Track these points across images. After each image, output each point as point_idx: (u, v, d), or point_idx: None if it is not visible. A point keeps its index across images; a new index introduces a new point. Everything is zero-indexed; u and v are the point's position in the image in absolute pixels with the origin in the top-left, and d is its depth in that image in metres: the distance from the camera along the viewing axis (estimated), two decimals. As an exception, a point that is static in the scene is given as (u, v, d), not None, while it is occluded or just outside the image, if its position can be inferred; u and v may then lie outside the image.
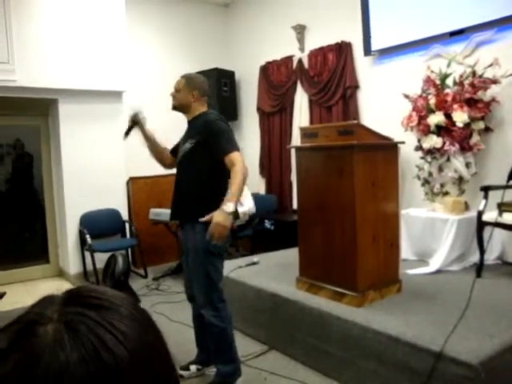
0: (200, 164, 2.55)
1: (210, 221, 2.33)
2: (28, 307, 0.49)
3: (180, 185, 2.69)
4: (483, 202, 3.35)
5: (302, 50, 5.60)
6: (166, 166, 2.94)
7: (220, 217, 2.31)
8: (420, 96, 3.94)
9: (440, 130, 3.76)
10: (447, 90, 3.78)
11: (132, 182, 5.51)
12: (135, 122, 2.78)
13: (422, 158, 3.99)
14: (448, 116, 3.69)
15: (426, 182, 4.01)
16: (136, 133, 2.85)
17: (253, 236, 5.42)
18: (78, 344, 0.43)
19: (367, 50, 4.77)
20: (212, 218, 2.33)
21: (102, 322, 0.46)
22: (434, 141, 3.77)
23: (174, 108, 2.73)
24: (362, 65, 4.93)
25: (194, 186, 2.57)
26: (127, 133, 2.79)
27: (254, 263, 3.93)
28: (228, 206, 2.32)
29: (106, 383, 0.43)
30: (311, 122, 5.47)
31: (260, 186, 6.21)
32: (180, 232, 2.75)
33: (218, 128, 2.52)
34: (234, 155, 2.45)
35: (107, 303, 0.49)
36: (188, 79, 2.70)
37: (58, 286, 4.99)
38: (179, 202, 2.67)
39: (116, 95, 5.15)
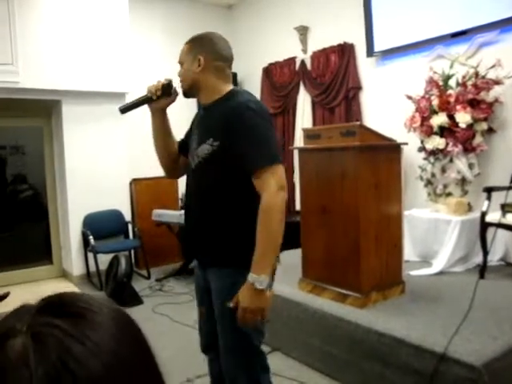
0: (226, 176, 1.68)
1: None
2: (4, 316, 0.46)
3: (195, 206, 1.81)
4: (486, 202, 3.34)
5: (304, 51, 5.60)
6: (173, 170, 1.98)
7: (247, 299, 1.55)
8: (423, 97, 3.94)
9: (443, 131, 3.76)
10: (450, 91, 3.78)
11: (135, 183, 5.52)
12: (167, 93, 1.82)
13: (425, 158, 3.99)
14: (451, 117, 3.69)
15: (428, 183, 4.00)
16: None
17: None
18: (44, 358, 0.40)
19: (370, 51, 4.77)
20: (237, 300, 1.58)
21: (73, 332, 0.42)
22: (436, 142, 3.77)
23: (185, 94, 1.83)
24: (365, 66, 4.93)
25: (218, 210, 1.71)
26: (140, 103, 1.84)
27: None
28: (259, 280, 1.54)
29: None
30: (314, 123, 5.47)
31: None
32: (197, 269, 1.91)
33: (250, 125, 1.62)
34: (268, 174, 1.59)
35: (83, 311, 0.45)
36: (194, 41, 1.79)
37: (61, 287, 5.00)
38: (194, 232, 1.82)
39: (119, 96, 5.15)
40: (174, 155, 1.93)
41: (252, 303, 1.55)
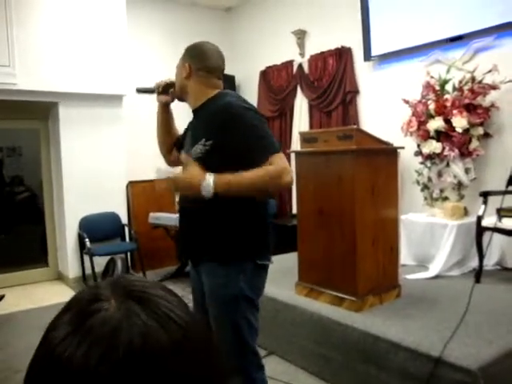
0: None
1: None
2: (70, 298, 0.49)
3: (189, 206, 1.84)
4: (482, 207, 3.35)
5: (302, 54, 5.61)
6: (167, 158, 2.17)
7: (187, 185, 1.71)
8: (420, 101, 3.95)
9: (439, 136, 3.77)
10: (447, 96, 3.79)
11: (131, 185, 5.51)
12: (166, 91, 2.03)
13: (422, 163, 4.00)
14: (447, 121, 3.70)
15: (425, 187, 4.01)
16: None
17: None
18: (151, 312, 0.44)
19: (367, 55, 4.78)
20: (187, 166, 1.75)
21: (162, 294, 0.48)
22: (433, 146, 3.78)
23: (177, 97, 2.00)
24: (362, 70, 4.95)
25: (214, 209, 1.73)
26: (149, 91, 2.10)
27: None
28: (209, 185, 1.63)
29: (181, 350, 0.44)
30: (311, 126, 5.48)
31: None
32: (192, 270, 1.94)
33: (246, 120, 1.70)
34: (276, 158, 1.68)
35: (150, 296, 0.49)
36: (188, 48, 1.92)
37: (56, 290, 4.98)
38: (189, 232, 1.86)
39: (116, 99, 5.16)
40: (168, 146, 2.11)
41: (185, 188, 1.76)
